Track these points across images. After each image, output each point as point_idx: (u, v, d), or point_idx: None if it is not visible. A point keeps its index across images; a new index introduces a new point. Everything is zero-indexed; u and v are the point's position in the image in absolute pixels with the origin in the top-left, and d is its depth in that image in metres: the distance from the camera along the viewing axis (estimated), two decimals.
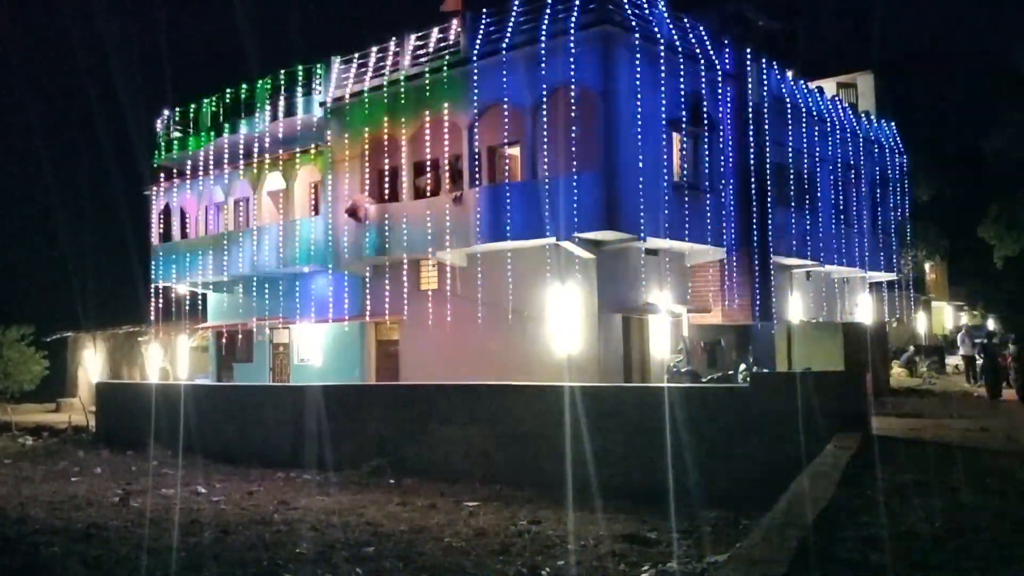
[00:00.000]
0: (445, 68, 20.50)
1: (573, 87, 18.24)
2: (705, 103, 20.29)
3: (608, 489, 13.48)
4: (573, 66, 18.19)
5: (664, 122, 19.38)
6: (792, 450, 11.74)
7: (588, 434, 14.16)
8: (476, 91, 19.84)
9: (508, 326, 19.78)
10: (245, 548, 10.63)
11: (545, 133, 18.76)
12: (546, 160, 18.82)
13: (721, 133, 21.11)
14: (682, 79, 19.74)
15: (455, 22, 20.88)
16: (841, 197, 26.22)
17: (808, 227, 23.92)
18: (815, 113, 24.94)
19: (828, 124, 25.62)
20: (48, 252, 42.05)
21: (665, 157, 19.39)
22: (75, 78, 41.56)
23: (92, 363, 34.43)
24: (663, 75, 19.24)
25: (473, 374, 19.17)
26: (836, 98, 28.02)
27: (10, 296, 38.03)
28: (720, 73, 21.00)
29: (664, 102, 19.31)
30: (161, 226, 29.12)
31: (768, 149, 21.98)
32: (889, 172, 29.57)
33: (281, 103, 24.60)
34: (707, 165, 20.50)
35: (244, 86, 25.98)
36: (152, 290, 28.49)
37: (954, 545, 6.27)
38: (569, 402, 14.51)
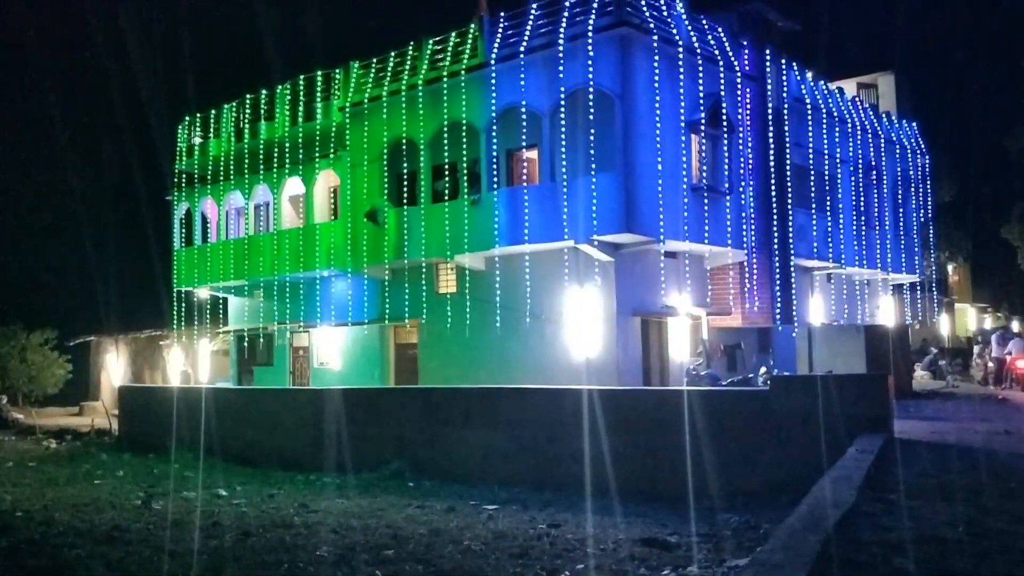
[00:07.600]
0: (463, 71, 20.55)
1: (591, 89, 18.22)
2: (724, 105, 20.20)
3: (627, 492, 13.43)
4: (591, 68, 18.18)
5: (683, 124, 19.33)
6: (813, 453, 11.65)
7: (607, 437, 14.12)
8: (494, 94, 19.87)
9: (526, 329, 19.78)
10: (266, 551, 10.68)
11: (563, 136, 18.75)
12: (564, 163, 18.81)
13: (740, 135, 21.01)
14: (701, 81, 19.68)
15: (473, 26, 20.94)
16: (862, 198, 26.00)
17: (829, 229, 23.75)
18: (835, 114, 24.76)
19: (849, 125, 25.42)
20: (71, 257, 42.43)
21: (684, 159, 19.35)
22: (97, 83, 41.92)
23: (114, 367, 34.71)
24: (682, 77, 19.19)
25: (492, 377, 19.20)
26: (857, 98, 27.81)
27: (34, 301, 38.40)
28: (739, 74, 20.91)
29: (683, 104, 19.26)
30: (183, 231, 29.37)
31: (788, 150, 21.85)
32: (911, 173, 29.28)
33: (301, 108, 24.78)
34: (726, 167, 20.40)
35: (264, 91, 26.18)
36: (174, 295, 28.74)
37: (978, 549, 6.20)
38: (588, 405, 14.47)
